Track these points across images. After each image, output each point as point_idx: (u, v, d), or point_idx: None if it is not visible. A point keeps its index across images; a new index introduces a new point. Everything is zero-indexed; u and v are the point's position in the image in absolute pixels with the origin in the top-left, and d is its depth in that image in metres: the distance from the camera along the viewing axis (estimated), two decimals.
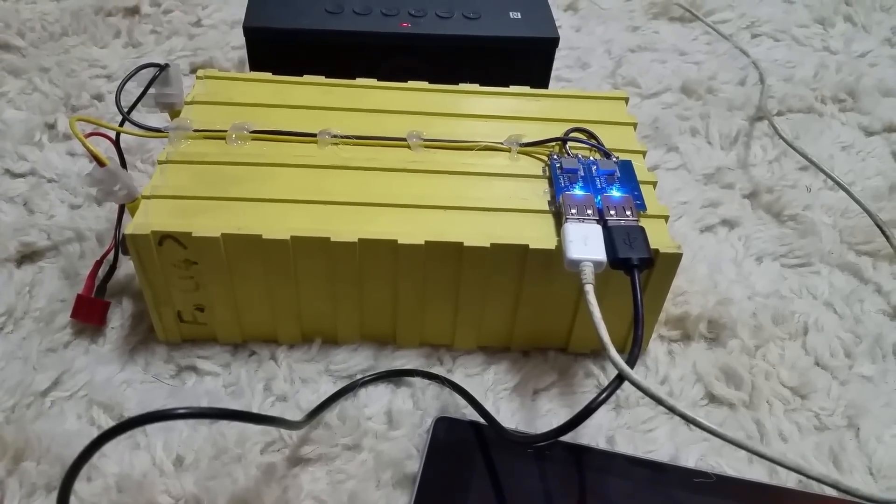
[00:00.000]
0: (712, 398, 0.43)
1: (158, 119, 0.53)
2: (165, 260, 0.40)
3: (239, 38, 0.67)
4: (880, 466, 0.41)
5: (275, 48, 0.55)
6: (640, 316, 0.36)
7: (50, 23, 0.69)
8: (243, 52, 0.65)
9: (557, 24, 0.59)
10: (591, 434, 0.41)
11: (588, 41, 0.72)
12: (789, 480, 0.39)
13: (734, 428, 0.42)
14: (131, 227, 0.39)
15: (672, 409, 0.32)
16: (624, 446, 0.41)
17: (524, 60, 0.56)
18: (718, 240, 0.53)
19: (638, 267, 0.37)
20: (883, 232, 0.50)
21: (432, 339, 0.45)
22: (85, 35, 0.68)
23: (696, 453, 0.40)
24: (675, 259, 0.40)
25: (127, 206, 0.42)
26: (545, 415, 0.42)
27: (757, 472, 0.40)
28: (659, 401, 0.32)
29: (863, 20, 0.77)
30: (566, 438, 0.36)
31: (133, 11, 0.71)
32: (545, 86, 0.58)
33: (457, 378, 0.43)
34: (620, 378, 0.34)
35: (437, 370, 0.44)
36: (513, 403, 0.42)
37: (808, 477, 0.32)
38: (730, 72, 0.69)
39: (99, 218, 0.51)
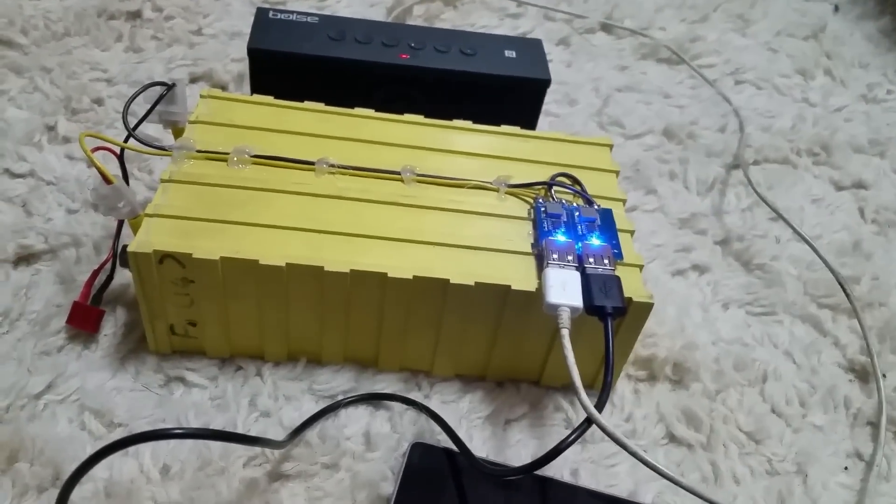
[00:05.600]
0: (672, 438, 0.46)
1: (157, 129, 0.54)
2: (164, 277, 0.41)
3: (239, 51, 0.68)
4: None
5: (277, 71, 0.57)
6: (610, 363, 0.38)
7: (53, 21, 0.70)
8: (242, 66, 0.67)
9: (549, 58, 0.61)
10: (558, 466, 0.43)
11: (577, 78, 0.74)
12: None
13: (691, 468, 0.45)
14: (134, 244, 0.40)
15: (634, 455, 0.34)
16: (587, 479, 0.43)
17: (515, 98, 0.59)
18: (688, 284, 0.56)
19: (612, 315, 0.40)
20: (842, 287, 0.53)
21: (412, 364, 0.47)
22: (87, 37, 0.69)
23: (653, 490, 0.43)
24: (646, 308, 0.42)
25: (128, 220, 0.43)
26: (515, 445, 0.44)
27: None
28: (623, 446, 0.35)
29: (842, 74, 0.80)
30: None
31: (135, 15, 0.72)
32: (534, 122, 0.61)
33: (433, 404, 0.45)
34: (589, 421, 0.37)
35: (415, 395, 0.46)
36: (485, 432, 0.45)
37: None
38: (711, 117, 0.72)
39: (95, 224, 0.52)
